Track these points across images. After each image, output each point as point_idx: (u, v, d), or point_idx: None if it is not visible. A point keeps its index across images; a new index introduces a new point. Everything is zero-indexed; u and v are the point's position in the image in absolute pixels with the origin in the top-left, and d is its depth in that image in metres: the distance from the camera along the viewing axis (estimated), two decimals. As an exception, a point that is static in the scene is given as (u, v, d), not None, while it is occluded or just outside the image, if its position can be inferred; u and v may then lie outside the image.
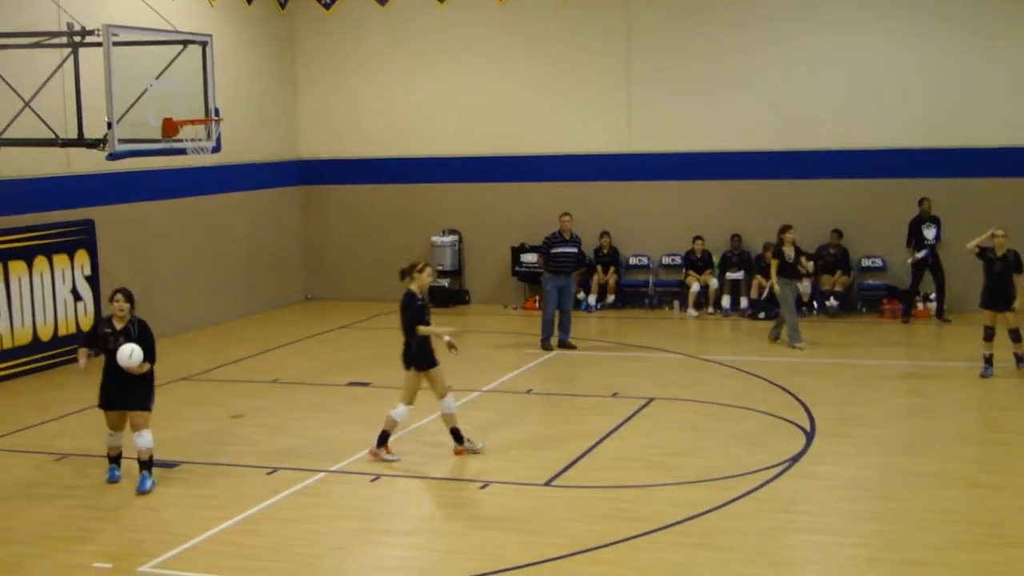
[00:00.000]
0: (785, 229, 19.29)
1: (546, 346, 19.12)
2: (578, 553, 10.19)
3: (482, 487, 12.13)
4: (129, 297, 12.29)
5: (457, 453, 13.22)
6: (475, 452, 13.23)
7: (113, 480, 12.51)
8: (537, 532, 10.79)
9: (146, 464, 12.27)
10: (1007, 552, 10.08)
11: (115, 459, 12.62)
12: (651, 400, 15.63)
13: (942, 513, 11.07)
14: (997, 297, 16.44)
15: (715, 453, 13.18)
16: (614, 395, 15.98)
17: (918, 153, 21.90)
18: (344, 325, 22.23)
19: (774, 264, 19.30)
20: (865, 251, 22.39)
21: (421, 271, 13.11)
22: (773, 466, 12.55)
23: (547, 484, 12.20)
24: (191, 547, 10.56)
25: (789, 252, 19.19)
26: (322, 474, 12.66)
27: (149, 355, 12.15)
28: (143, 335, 12.22)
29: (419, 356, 12.99)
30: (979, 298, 16.80)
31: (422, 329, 12.93)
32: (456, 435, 13.25)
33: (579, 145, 23.71)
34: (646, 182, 23.42)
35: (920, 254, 20.99)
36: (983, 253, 16.62)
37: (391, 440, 13.13)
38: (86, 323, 18.94)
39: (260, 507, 11.61)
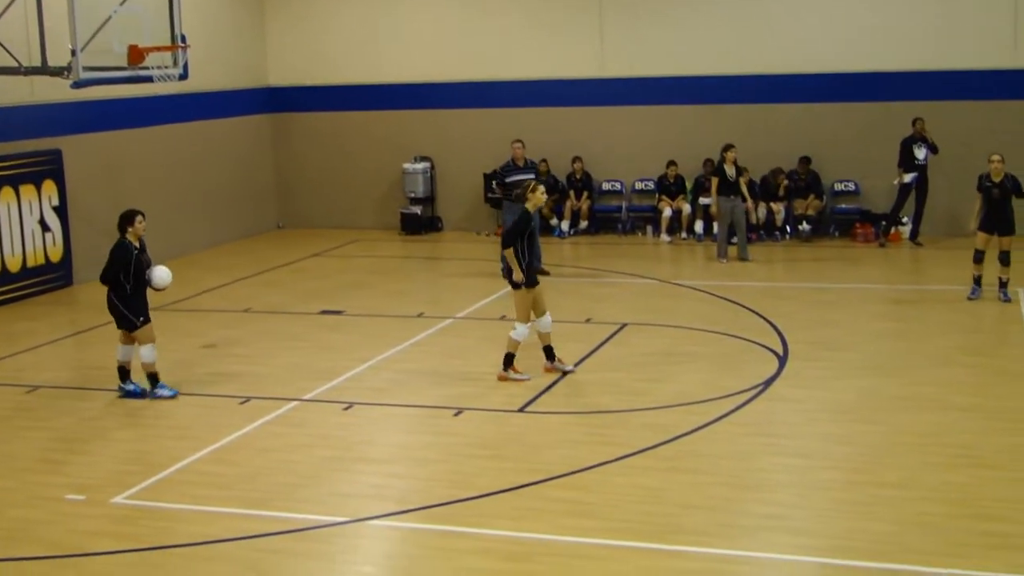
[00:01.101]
0: (727, 148, 19.96)
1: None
2: (552, 479, 10.20)
3: (456, 414, 12.12)
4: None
5: (547, 370, 13.38)
6: (565, 372, 13.35)
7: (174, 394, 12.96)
8: (511, 458, 10.80)
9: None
10: (980, 473, 10.13)
11: (156, 375, 13.04)
12: (624, 325, 15.63)
13: (915, 436, 11.12)
14: (995, 222, 16.26)
15: (689, 378, 13.20)
16: (588, 321, 15.96)
17: (893, 76, 21.79)
18: (316, 253, 22.12)
19: (715, 182, 20.06)
20: (838, 175, 22.34)
21: (533, 191, 13.21)
22: (747, 390, 12.58)
23: (521, 410, 12.20)
24: (164, 478, 10.53)
25: (730, 171, 19.91)
26: (295, 403, 12.63)
27: None
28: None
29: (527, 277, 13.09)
30: (977, 222, 16.45)
31: (508, 252, 13.07)
32: (548, 353, 13.43)
33: (552, 70, 23.49)
34: (619, 107, 23.27)
35: (908, 178, 20.90)
36: (980, 182, 16.47)
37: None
38: (55, 254, 18.77)
39: (233, 437, 11.57)
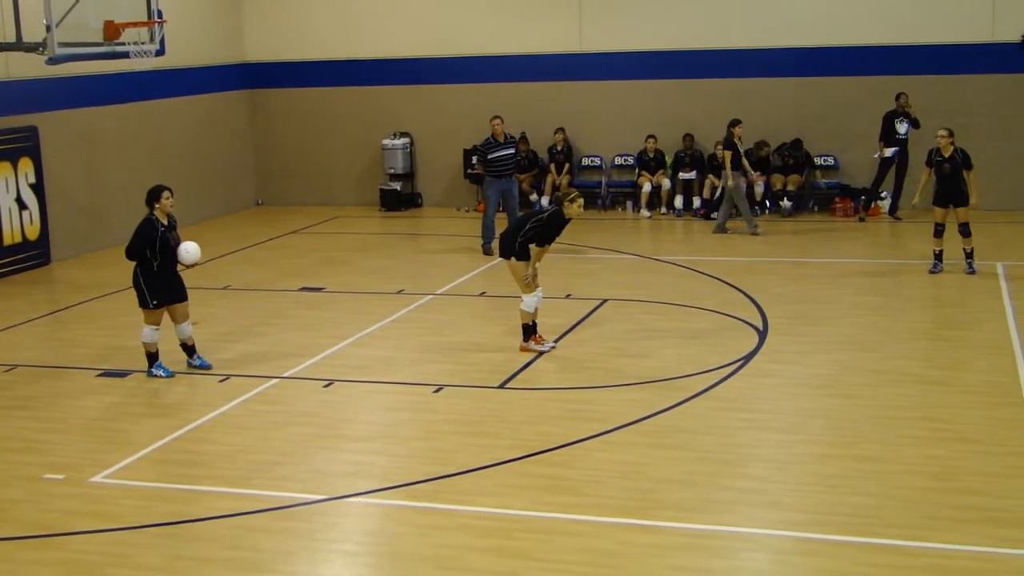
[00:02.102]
0: (735, 123, 19.87)
1: (487, 251, 18.87)
2: (532, 455, 10.20)
3: (436, 391, 12.11)
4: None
5: (522, 350, 13.36)
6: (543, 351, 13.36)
7: (170, 375, 12.80)
8: (491, 435, 10.79)
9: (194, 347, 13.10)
10: (956, 447, 10.17)
11: (156, 355, 12.88)
12: (604, 301, 15.62)
13: (894, 410, 11.15)
14: (948, 196, 16.50)
15: (668, 353, 13.20)
16: (567, 296, 15.94)
17: (871, 50, 21.79)
18: (295, 230, 22.05)
19: (728, 156, 19.81)
20: (818, 150, 22.33)
21: (572, 201, 13.02)
22: (726, 365, 12.59)
23: (501, 387, 12.19)
24: (142, 456, 10.49)
25: (740, 146, 19.89)
26: (275, 380, 12.60)
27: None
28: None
29: (519, 250, 13.07)
30: (931, 197, 16.81)
31: (536, 248, 13.09)
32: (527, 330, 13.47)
33: (531, 45, 23.40)
34: (598, 82, 23.21)
35: (889, 152, 20.93)
36: (929, 157, 16.68)
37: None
38: (32, 232, 18.66)
39: (212, 415, 11.54)
